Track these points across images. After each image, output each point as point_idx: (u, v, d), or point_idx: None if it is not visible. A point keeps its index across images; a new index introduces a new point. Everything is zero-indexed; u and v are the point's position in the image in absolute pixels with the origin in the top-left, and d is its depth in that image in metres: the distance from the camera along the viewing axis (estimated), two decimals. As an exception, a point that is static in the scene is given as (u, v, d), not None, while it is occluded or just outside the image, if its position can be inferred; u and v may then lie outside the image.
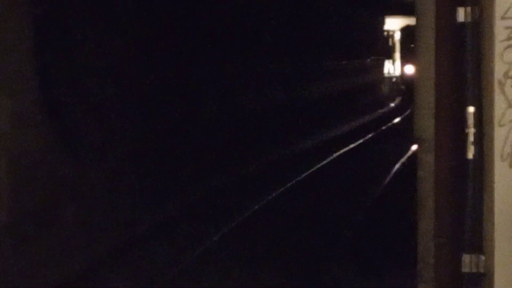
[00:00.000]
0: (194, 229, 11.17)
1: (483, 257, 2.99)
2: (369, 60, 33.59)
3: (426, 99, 3.28)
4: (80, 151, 9.90)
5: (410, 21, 27.29)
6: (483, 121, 2.89)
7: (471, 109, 2.83)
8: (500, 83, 2.84)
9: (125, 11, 12.06)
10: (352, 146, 20.22)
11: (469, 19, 3.02)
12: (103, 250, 8.99)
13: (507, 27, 2.87)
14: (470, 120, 2.82)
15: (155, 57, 12.91)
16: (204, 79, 15.06)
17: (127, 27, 12.17)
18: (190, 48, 14.14)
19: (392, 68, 36.00)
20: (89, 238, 9.24)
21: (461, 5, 3.01)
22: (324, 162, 17.16)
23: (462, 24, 3.05)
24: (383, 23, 37.08)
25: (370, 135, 22.65)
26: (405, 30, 31.04)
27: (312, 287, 8.65)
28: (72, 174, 9.52)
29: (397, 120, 26.34)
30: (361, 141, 21.39)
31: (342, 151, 19.11)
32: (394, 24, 36.47)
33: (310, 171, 15.85)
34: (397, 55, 35.67)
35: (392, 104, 33.54)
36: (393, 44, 35.56)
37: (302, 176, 15.09)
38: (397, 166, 15.89)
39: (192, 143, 13.86)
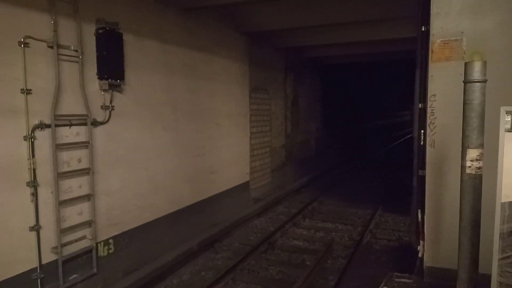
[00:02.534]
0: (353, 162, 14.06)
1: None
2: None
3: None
4: (333, 137, 12.47)
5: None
6: (426, 134, 3.19)
7: (422, 131, 3.27)
8: (429, 124, 3.19)
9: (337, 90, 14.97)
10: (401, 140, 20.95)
11: (423, 107, 3.22)
12: (333, 162, 12.64)
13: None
14: (421, 132, 3.23)
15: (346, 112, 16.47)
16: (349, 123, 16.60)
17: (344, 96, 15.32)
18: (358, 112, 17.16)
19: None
20: (333, 159, 12.83)
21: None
22: (394, 144, 20.06)
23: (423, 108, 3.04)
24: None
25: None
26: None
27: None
28: (330, 142, 12.43)
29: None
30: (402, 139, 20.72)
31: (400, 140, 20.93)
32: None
33: (390, 146, 19.46)
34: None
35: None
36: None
37: (387, 148, 18.07)
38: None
39: (349, 140, 16.15)
